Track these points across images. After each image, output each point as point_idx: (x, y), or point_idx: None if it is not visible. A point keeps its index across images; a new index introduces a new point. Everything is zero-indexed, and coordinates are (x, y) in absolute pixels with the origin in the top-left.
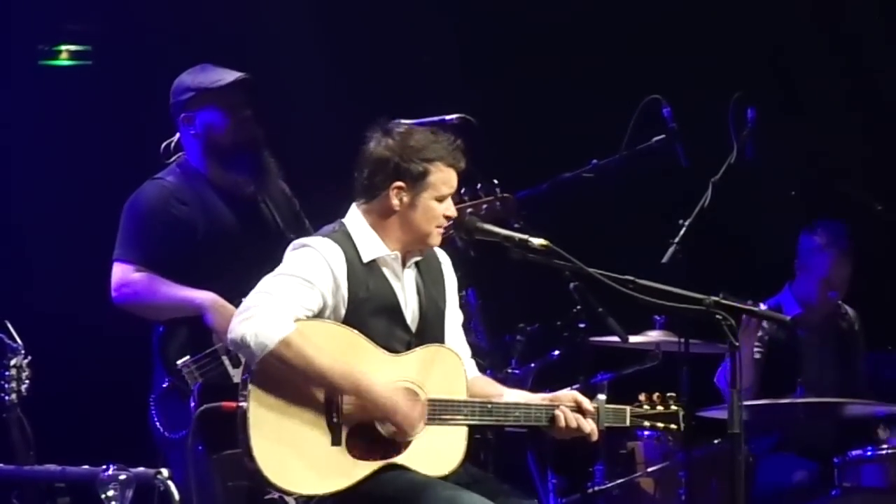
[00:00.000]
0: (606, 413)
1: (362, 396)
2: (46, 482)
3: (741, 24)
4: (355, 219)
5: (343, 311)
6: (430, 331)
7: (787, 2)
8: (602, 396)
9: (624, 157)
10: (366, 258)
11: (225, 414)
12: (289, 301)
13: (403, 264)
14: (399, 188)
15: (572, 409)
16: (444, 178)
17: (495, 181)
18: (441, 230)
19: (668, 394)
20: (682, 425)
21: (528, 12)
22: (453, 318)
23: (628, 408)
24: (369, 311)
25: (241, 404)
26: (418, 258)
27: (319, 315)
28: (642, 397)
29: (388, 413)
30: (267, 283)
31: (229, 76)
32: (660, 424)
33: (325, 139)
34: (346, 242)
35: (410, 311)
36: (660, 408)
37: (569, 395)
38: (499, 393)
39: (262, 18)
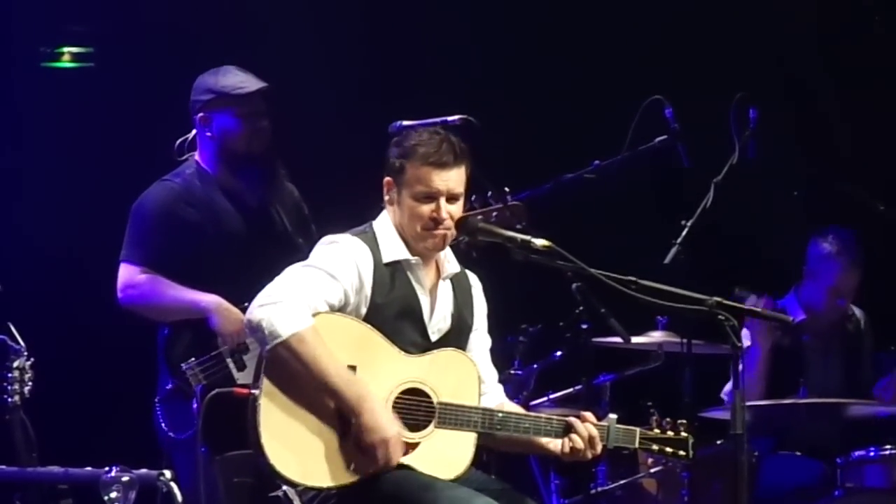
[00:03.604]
0: (616, 432)
1: (361, 409)
2: (49, 484)
3: (743, 25)
4: (383, 221)
5: (364, 311)
6: (451, 346)
7: (789, 2)
8: (613, 416)
9: (626, 157)
10: (385, 259)
11: (231, 411)
12: (311, 292)
13: (438, 274)
14: (388, 183)
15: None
16: (417, 175)
17: (506, 189)
18: (430, 234)
19: (680, 420)
20: (690, 453)
21: (532, 12)
22: (481, 340)
23: (638, 430)
24: (389, 313)
25: (253, 392)
26: (455, 272)
27: (340, 311)
28: (654, 420)
29: (371, 441)
30: (291, 273)
31: (252, 84)
32: (668, 450)
33: (326, 142)
34: (373, 243)
35: (436, 321)
36: (670, 433)
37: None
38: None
39: (264, 20)
